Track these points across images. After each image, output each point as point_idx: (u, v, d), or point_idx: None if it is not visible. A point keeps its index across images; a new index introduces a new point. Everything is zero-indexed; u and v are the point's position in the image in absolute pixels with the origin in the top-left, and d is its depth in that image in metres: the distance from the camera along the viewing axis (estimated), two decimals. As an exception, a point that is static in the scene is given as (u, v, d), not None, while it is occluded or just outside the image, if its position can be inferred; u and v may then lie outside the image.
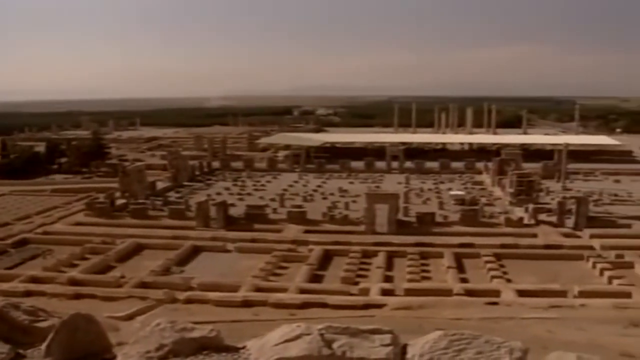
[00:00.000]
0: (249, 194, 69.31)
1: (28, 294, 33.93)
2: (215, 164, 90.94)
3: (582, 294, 34.30)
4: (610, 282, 37.90)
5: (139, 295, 33.98)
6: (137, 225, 53.04)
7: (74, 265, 41.75)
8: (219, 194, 67.78)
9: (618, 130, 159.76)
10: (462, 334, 5.29)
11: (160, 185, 72.23)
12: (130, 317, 28.43)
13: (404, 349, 5.28)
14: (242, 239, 47.82)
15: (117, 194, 62.33)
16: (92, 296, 34.20)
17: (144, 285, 36.73)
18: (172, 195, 68.26)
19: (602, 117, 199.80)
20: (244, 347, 5.51)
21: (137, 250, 46.05)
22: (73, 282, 37.35)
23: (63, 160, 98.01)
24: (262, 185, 76.41)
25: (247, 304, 32.73)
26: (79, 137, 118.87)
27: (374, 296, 34.48)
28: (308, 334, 5.28)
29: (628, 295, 34.55)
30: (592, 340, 23.43)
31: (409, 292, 34.93)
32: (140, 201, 61.00)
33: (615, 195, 67.58)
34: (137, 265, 42.44)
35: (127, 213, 57.07)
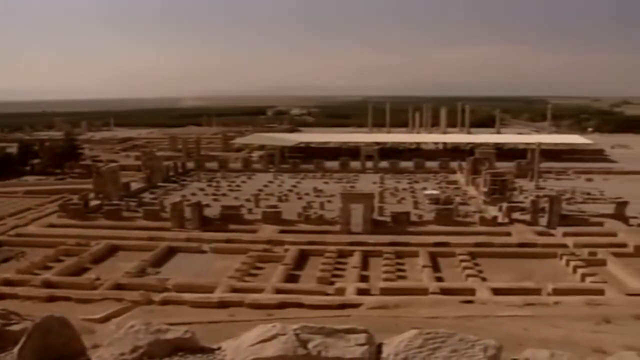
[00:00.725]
0: (223, 195, 69.14)
1: (1, 297, 33.57)
2: (190, 165, 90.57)
3: (556, 292, 34.64)
4: (583, 280, 38.27)
5: (114, 297, 33.72)
6: (112, 226, 52.66)
7: (48, 268, 41.31)
8: (193, 194, 67.52)
9: (590, 129, 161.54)
10: (437, 332, 5.30)
11: (134, 186, 71.82)
12: (105, 319, 28.21)
13: (379, 348, 5.27)
14: (218, 240, 47.65)
15: (91, 195, 61.81)
16: (67, 298, 33.85)
17: (119, 287, 36.44)
18: (147, 196, 67.89)
19: (574, 116, 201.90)
20: (219, 348, 5.49)
21: (111, 251, 45.70)
22: (47, 284, 36.96)
23: (36, 161, 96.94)
24: (237, 185, 76.23)
25: (223, 304, 32.63)
26: (52, 138, 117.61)
27: (350, 296, 34.53)
28: (283, 334, 5.26)
29: (601, 292, 34.93)
30: (566, 337, 23.68)
31: (384, 292, 35.04)
32: (115, 202, 60.52)
33: (588, 193, 68.34)
34: (112, 266, 42.11)
35: (102, 214, 56.59)
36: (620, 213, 54.16)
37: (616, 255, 42.78)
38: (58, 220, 55.35)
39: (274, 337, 5.28)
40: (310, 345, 5.18)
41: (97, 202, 60.69)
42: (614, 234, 49.26)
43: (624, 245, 45.36)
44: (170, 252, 45.35)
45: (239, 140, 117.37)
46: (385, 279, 38.05)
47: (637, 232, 49.97)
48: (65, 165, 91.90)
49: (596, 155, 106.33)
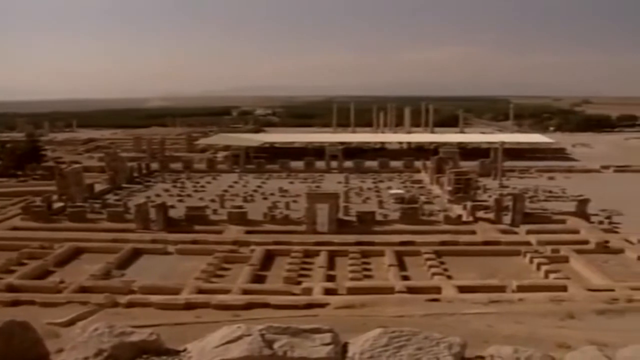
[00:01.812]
0: (188, 195, 68.82)
1: (-37, 302, 32.93)
2: (154, 166, 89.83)
3: (520, 289, 35.00)
4: (546, 277, 38.80)
5: (79, 300, 33.30)
6: (76, 228, 52.00)
7: (11, 271, 40.59)
8: (158, 195, 67.03)
9: (551, 128, 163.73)
10: (402, 331, 5.33)
11: (98, 187, 71.09)
12: (70, 323, 27.83)
13: (344, 348, 5.29)
14: (183, 241, 47.35)
15: (54, 197, 61.12)
16: (31, 302, 33.30)
17: (84, 289, 36.04)
18: (111, 198, 67.31)
19: (535, 115, 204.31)
20: (184, 350, 5.46)
21: (76, 254, 45.13)
22: (10, 288, 36.32)
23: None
24: (202, 186, 75.89)
25: (189, 306, 32.42)
26: (13, 139, 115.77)
27: (317, 295, 34.56)
28: (249, 335, 5.26)
29: (564, 288, 35.37)
30: (531, 333, 23.97)
31: (351, 291, 35.11)
32: (78, 204, 59.82)
33: (550, 191, 69.25)
34: (76, 269, 41.57)
35: (65, 216, 55.86)
36: (581, 211, 54.94)
37: (578, 252, 43.42)
38: (21, 222, 54.51)
39: (239, 338, 5.27)
40: (275, 346, 5.18)
41: (61, 204, 59.98)
42: (576, 231, 49.98)
43: (585, 242, 46.04)
44: (136, 254, 44.93)
45: (203, 141, 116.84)
46: (352, 279, 38.16)
47: (598, 229, 50.80)
48: (28, 166, 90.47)
49: (558, 154, 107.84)
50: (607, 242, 45.72)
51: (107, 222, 54.09)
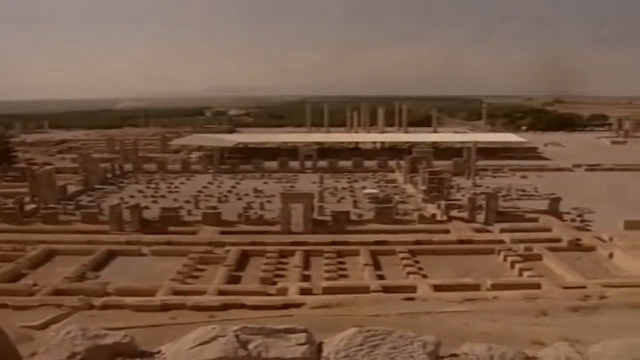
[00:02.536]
0: (162, 196, 68.47)
1: None
2: (128, 166, 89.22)
3: (495, 287, 35.28)
4: (520, 275, 39.20)
5: (53, 303, 32.99)
6: (49, 230, 51.48)
7: (-17, 274, 40.07)
8: (132, 196, 66.70)
9: (523, 128, 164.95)
10: (376, 330, 5.35)
11: (71, 189, 70.55)
12: (44, 326, 27.51)
13: (319, 347, 5.29)
14: (158, 242, 47.12)
15: (27, 199, 60.52)
16: (4, 305, 32.94)
17: (58, 292, 35.70)
18: (84, 199, 66.79)
19: (508, 115, 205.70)
20: (158, 352, 5.43)
21: (49, 256, 44.70)
22: (-18, 291, 35.87)
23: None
24: (176, 187, 75.59)
25: (165, 307, 32.26)
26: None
27: (293, 295, 34.57)
28: (223, 336, 5.23)
29: (537, 286, 35.75)
30: (505, 330, 24.15)
31: (327, 291, 35.17)
32: (51, 206, 59.28)
33: (523, 190, 69.84)
34: (50, 272, 41.19)
35: (38, 218, 55.34)
36: (554, 209, 55.51)
37: (551, 249, 43.95)
38: (-8, 225, 53.83)
39: (213, 339, 5.26)
40: (250, 346, 5.18)
41: (33, 205, 59.44)
42: (548, 229, 50.47)
43: (558, 240, 46.55)
44: (110, 256, 44.64)
45: (177, 142, 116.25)
46: (327, 278, 38.24)
47: (570, 227, 51.33)
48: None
49: (530, 153, 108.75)
50: (579, 239, 46.26)
51: (81, 224, 53.66)
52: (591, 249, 44.92)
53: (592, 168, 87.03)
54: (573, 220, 54.45)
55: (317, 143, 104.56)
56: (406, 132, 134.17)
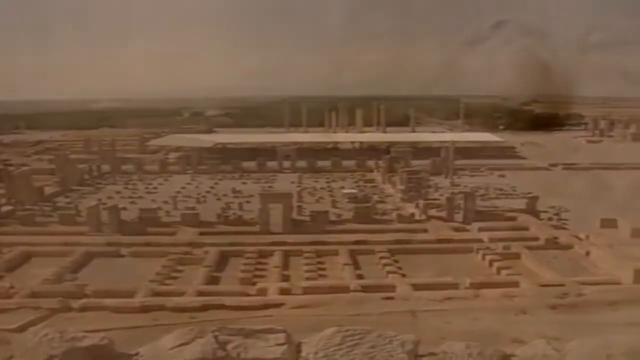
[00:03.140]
0: (140, 197, 68.02)
1: None
2: (105, 167, 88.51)
3: (473, 285, 35.50)
4: (499, 273, 39.52)
5: (31, 306, 32.75)
6: (26, 232, 50.95)
7: (-41, 278, 39.65)
8: (110, 197, 66.21)
9: (501, 127, 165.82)
10: (355, 329, 5.37)
11: (48, 190, 69.78)
12: (22, 329, 27.24)
13: (298, 347, 5.29)
14: (136, 243, 46.84)
15: (3, 201, 59.99)
16: (-20, 309, 32.61)
17: (35, 294, 35.38)
18: (62, 201, 66.17)
19: (485, 115, 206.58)
20: (137, 354, 5.41)
21: (26, 258, 44.33)
22: (-42, 294, 35.48)
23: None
24: (154, 188, 75.14)
25: (145, 309, 32.12)
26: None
27: (272, 296, 34.60)
28: (202, 337, 5.22)
29: (516, 284, 36.02)
30: (485, 328, 24.36)
31: (306, 291, 35.26)
32: (28, 207, 58.77)
33: (501, 189, 70.22)
34: (27, 274, 40.85)
35: (15, 220, 54.83)
36: (531, 208, 55.93)
37: (529, 248, 44.31)
38: (-32, 227, 53.26)
39: (192, 340, 5.25)
40: (229, 347, 5.18)
41: (10, 207, 58.88)
42: (526, 228, 50.86)
43: (536, 239, 46.92)
44: (88, 257, 44.31)
45: (155, 142, 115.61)
46: (307, 278, 38.32)
47: (547, 226, 51.73)
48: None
49: (508, 152, 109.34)
50: (556, 238, 46.70)
51: (58, 226, 53.21)
52: (568, 247, 45.33)
53: (569, 167, 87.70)
54: (550, 219, 54.91)
55: (296, 143, 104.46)
56: (384, 132, 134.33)
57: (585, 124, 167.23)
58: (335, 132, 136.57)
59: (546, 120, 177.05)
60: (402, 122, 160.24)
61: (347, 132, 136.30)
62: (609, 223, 49.23)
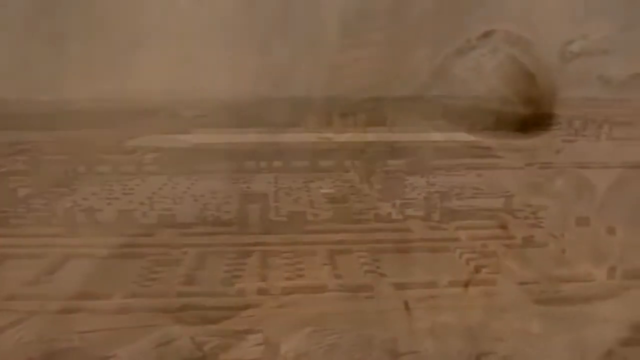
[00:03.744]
0: (117, 199, 67.54)
1: None
2: (81, 168, 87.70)
3: (452, 284, 35.71)
4: (477, 272, 39.64)
5: (7, 309, 32.35)
6: (0, 234, 50.35)
7: None
8: (85, 199, 65.64)
9: (479, 127, 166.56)
10: (334, 329, 5.41)
11: (23, 192, 69.03)
12: (-1, 332, 27.04)
13: (276, 347, 5.33)
14: (113, 245, 46.46)
15: (-23, 203, 59.25)
16: (-45, 313, 32.24)
17: (12, 297, 34.97)
18: (37, 202, 65.45)
19: (464, 114, 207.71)
20: (114, 356, 5.42)
21: (1, 261, 43.72)
22: None
23: None
24: (131, 188, 74.61)
25: (124, 310, 31.88)
26: None
27: (251, 296, 34.48)
28: (179, 339, 5.25)
29: (494, 282, 36.27)
30: (465, 326, 24.43)
31: (285, 291, 35.27)
32: (2, 209, 58.10)
33: (477, 188, 70.62)
34: (2, 276, 40.34)
35: (-12, 223, 54.18)
36: (507, 206, 56.34)
37: (506, 246, 44.59)
38: (-59, 230, 52.63)
39: (170, 341, 5.27)
40: (206, 348, 5.19)
41: (-17, 210, 58.20)
42: (503, 227, 51.13)
43: (512, 237, 47.25)
44: (65, 259, 43.90)
45: (132, 142, 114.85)
46: (285, 278, 38.30)
47: (524, 224, 52.15)
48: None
49: (485, 151, 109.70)
50: (532, 236, 47.11)
51: (34, 227, 52.71)
52: (544, 245, 45.75)
53: (545, 166, 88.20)
54: (527, 217, 55.31)
55: (274, 143, 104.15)
56: (363, 132, 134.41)
57: (560, 123, 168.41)
58: (313, 131, 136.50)
59: (524, 120, 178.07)
60: (381, 121, 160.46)
61: (325, 131, 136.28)
62: (583, 221, 49.72)
